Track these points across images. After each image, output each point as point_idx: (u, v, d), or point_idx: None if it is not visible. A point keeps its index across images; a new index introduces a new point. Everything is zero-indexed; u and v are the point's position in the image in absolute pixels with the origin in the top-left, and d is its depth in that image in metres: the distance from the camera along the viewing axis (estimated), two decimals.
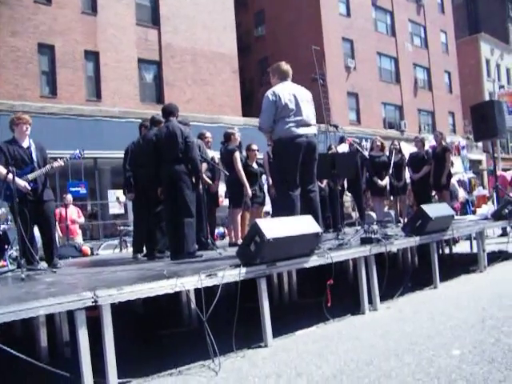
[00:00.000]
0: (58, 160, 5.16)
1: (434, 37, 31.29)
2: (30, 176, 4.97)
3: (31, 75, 15.16)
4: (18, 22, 14.94)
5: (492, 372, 2.76)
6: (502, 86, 37.97)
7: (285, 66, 4.92)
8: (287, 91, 4.71)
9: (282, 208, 4.74)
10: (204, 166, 5.97)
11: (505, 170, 16.90)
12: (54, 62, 15.71)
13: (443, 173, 8.34)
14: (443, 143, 8.66)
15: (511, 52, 40.93)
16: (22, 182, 4.83)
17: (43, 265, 5.07)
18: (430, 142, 11.76)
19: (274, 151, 4.92)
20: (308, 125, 4.71)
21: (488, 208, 9.11)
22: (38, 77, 15.51)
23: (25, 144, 5.11)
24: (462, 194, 14.27)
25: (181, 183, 5.06)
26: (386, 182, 8.43)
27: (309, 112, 4.75)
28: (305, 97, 4.79)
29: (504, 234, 9.81)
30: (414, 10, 29.93)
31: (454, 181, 12.74)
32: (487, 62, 38.03)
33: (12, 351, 2.71)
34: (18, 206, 4.63)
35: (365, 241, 4.83)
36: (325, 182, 8.18)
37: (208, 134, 6.85)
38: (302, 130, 4.65)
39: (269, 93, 4.72)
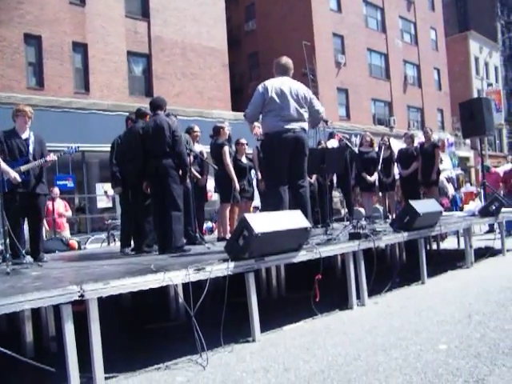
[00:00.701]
0: (52, 154, 5.12)
1: (424, 34, 31.44)
2: (23, 168, 4.94)
3: (17, 66, 14.92)
4: (3, 11, 14.63)
5: (478, 366, 2.79)
6: (490, 84, 38.37)
7: (284, 60, 4.93)
8: (278, 85, 4.70)
9: (271, 203, 4.74)
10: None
11: (493, 167, 17.04)
12: (40, 53, 15.46)
13: (433, 169, 8.38)
14: (433, 140, 8.71)
15: (499, 50, 41.31)
16: (12, 173, 4.81)
17: (29, 259, 5.00)
18: (419, 138, 11.81)
19: (262, 146, 4.92)
20: (295, 120, 4.68)
21: (475, 205, 9.19)
22: (25, 68, 15.26)
23: (24, 136, 5.09)
24: (451, 190, 14.39)
25: (168, 177, 5.02)
26: (374, 177, 8.47)
27: (298, 108, 4.71)
28: (295, 93, 4.73)
29: (491, 230, 9.91)
30: (404, 6, 30.02)
31: (442, 177, 12.84)
32: (476, 59, 38.35)
33: None
34: (9, 197, 4.60)
35: (353, 236, 4.84)
36: (314, 177, 8.18)
37: (196, 128, 6.80)
38: (288, 125, 4.63)
39: (260, 85, 4.75)
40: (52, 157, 5.09)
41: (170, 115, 5.55)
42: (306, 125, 4.81)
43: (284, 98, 4.65)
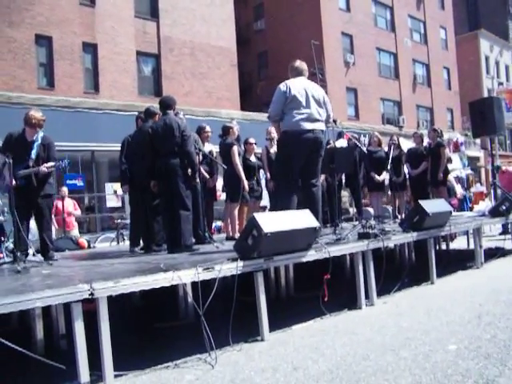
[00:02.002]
0: (45, 167, 5.08)
1: (434, 33, 31.22)
2: (22, 172, 4.95)
3: (28, 67, 15.05)
4: (15, 12, 14.75)
5: (488, 367, 2.77)
6: (500, 83, 37.99)
7: (297, 63, 4.98)
8: (299, 85, 4.75)
9: (280, 201, 4.76)
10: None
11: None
12: (51, 54, 15.57)
13: (438, 169, 8.31)
14: (438, 139, 8.59)
15: (510, 49, 40.91)
16: (8, 177, 4.73)
17: (39, 257, 5.04)
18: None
19: (279, 142, 4.95)
20: (316, 120, 4.73)
21: (486, 205, 9.12)
22: (36, 68, 15.39)
23: (31, 139, 5.08)
24: (459, 190, 14.27)
25: (176, 177, 5.04)
26: (383, 177, 8.43)
27: (318, 108, 4.76)
28: (316, 94, 4.80)
29: (505, 231, 9.80)
30: (413, 5, 29.83)
31: (451, 177, 12.73)
32: (486, 58, 37.98)
33: (8, 343, 2.70)
34: (15, 197, 4.61)
35: (362, 236, 4.83)
36: (323, 176, 8.16)
37: (208, 128, 6.83)
38: (309, 125, 4.67)
39: (281, 84, 4.79)
40: (43, 169, 5.06)
41: (177, 114, 5.57)
42: (323, 126, 4.87)
43: (306, 97, 4.71)
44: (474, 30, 39.23)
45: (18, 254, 4.38)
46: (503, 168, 11.58)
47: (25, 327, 4.12)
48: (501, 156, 29.81)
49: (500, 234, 10.19)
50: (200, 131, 6.64)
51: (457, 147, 21.36)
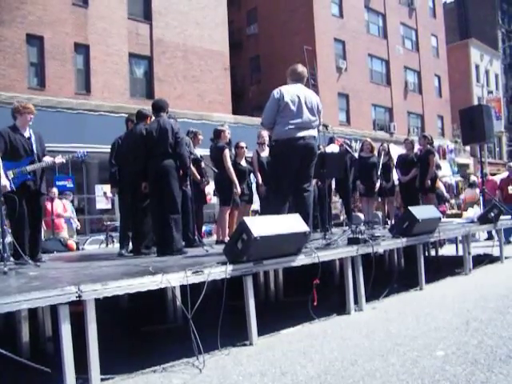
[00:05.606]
0: (61, 156, 5.07)
1: (425, 40, 31.54)
2: (29, 168, 4.85)
3: (19, 66, 14.94)
4: (5, 11, 14.66)
5: (475, 373, 2.78)
6: (490, 92, 38.49)
7: (299, 68, 4.93)
8: (293, 92, 4.70)
9: (272, 207, 4.75)
10: None
11: (492, 174, 17.10)
12: (42, 54, 15.50)
13: (426, 176, 8.37)
14: (428, 146, 8.67)
15: (500, 58, 41.45)
16: (3, 181, 4.42)
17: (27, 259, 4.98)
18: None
19: (272, 152, 4.91)
20: (307, 127, 4.69)
21: (474, 211, 9.20)
22: (26, 68, 15.29)
23: (26, 134, 4.98)
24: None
25: (168, 178, 5.02)
26: (379, 182, 8.47)
27: (310, 116, 4.72)
28: (310, 101, 4.75)
29: (490, 237, 9.92)
30: (405, 13, 30.12)
31: (441, 184, 12.84)
32: (477, 67, 38.47)
33: None
34: (16, 196, 4.52)
35: (352, 241, 4.84)
36: (314, 181, 8.17)
37: (200, 132, 6.84)
38: (300, 133, 4.63)
39: (275, 90, 4.74)
40: (60, 159, 5.03)
41: (170, 117, 5.56)
42: (315, 132, 4.83)
43: (299, 105, 4.65)
44: (464, 38, 39.72)
45: (5, 255, 4.32)
46: (488, 177, 11.72)
47: (10, 329, 4.06)
48: (490, 163, 30.13)
49: (486, 239, 10.32)
50: (195, 135, 6.65)
51: (444, 154, 21.52)
